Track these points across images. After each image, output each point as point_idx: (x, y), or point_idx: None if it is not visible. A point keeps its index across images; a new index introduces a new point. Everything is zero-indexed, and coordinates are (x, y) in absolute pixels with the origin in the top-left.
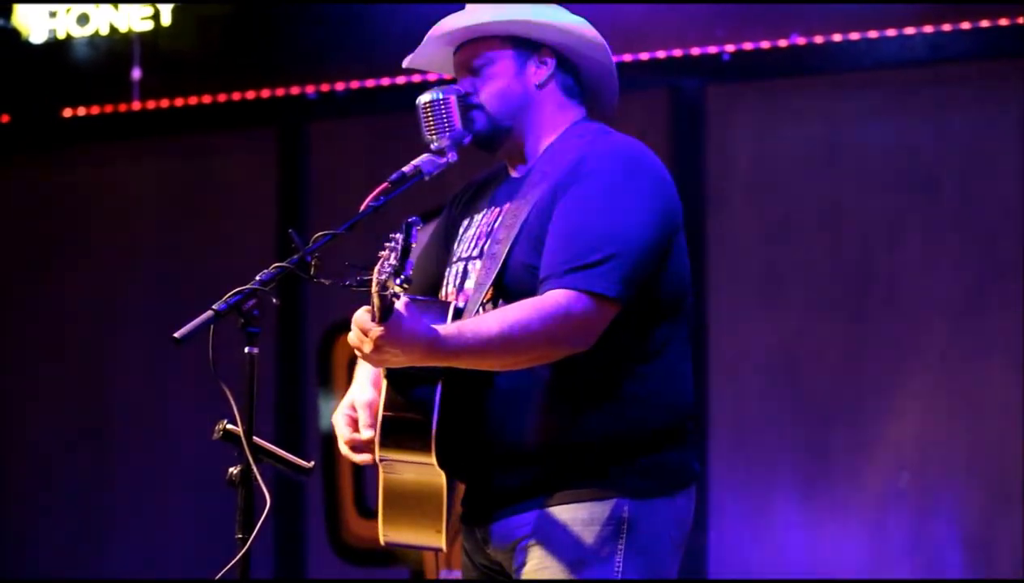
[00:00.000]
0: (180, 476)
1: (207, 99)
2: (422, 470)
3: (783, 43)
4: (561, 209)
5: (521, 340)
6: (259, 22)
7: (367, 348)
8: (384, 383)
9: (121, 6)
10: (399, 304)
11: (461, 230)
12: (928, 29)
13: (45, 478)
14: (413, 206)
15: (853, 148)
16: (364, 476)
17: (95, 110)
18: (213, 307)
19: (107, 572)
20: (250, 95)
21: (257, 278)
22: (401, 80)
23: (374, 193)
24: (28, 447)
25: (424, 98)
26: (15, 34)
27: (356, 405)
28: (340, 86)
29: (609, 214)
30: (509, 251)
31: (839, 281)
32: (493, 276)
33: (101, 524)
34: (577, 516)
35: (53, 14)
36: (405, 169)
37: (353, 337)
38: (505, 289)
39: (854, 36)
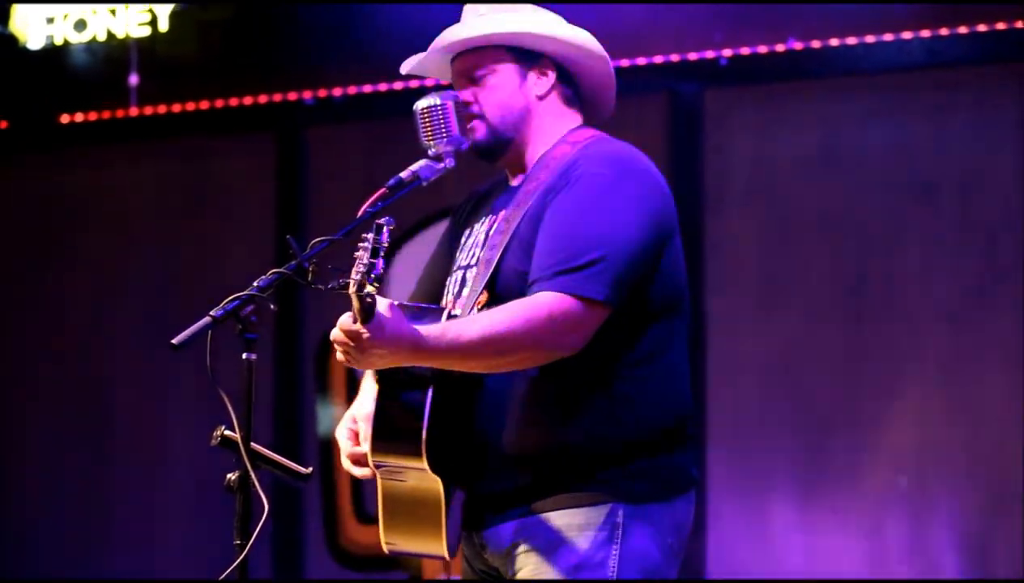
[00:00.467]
0: (178, 482)
1: (205, 105)
2: (418, 475)
3: (780, 47)
4: (550, 213)
5: (506, 341)
6: (257, 27)
7: (353, 351)
8: (375, 387)
9: (119, 12)
10: (382, 306)
11: (463, 239)
12: (925, 33)
13: (43, 482)
14: (411, 212)
15: (851, 152)
16: (363, 482)
17: (93, 116)
18: (211, 313)
19: (106, 575)
20: (248, 100)
21: (255, 284)
22: (399, 86)
23: (371, 199)
24: (26, 450)
25: (421, 104)
26: (13, 40)
27: (358, 418)
28: (338, 91)
29: (598, 217)
30: (501, 257)
31: (837, 285)
32: (484, 282)
33: (99, 530)
34: (572, 521)
35: (51, 20)
36: (403, 175)
37: (337, 336)
38: (498, 295)
39: (851, 40)
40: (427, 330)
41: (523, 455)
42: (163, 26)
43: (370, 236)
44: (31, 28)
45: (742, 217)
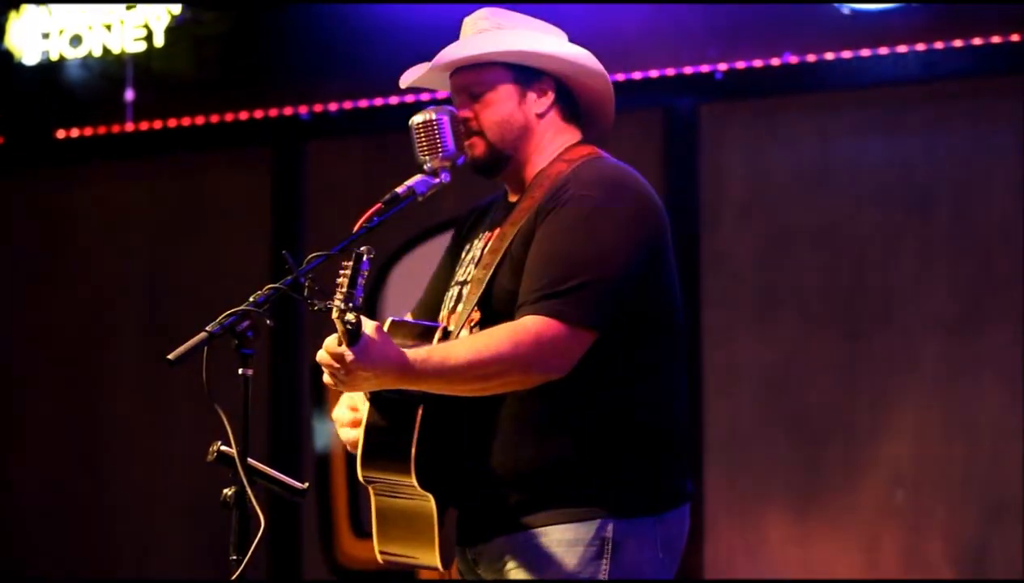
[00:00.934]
0: (175, 498)
1: (201, 120)
2: (410, 491)
3: (776, 61)
4: (539, 235)
5: (492, 365)
6: (253, 42)
7: (339, 373)
8: (366, 405)
9: (114, 27)
10: (368, 328)
11: (463, 254)
12: (921, 47)
13: (40, 498)
14: (407, 226)
15: (846, 166)
16: (359, 497)
17: (88, 131)
18: (207, 329)
19: None
20: (244, 115)
21: (251, 299)
22: (395, 100)
23: (367, 214)
24: (23, 463)
25: (417, 119)
26: (8, 56)
27: (358, 403)
28: (335, 106)
29: (584, 240)
30: (492, 276)
31: (833, 299)
32: (476, 301)
33: (96, 545)
34: (562, 537)
35: (46, 35)
36: (398, 190)
37: (323, 358)
38: (489, 313)
39: (846, 54)
40: (413, 354)
41: (513, 472)
42: (159, 41)
43: (349, 264)
44: (27, 43)
45: (738, 230)
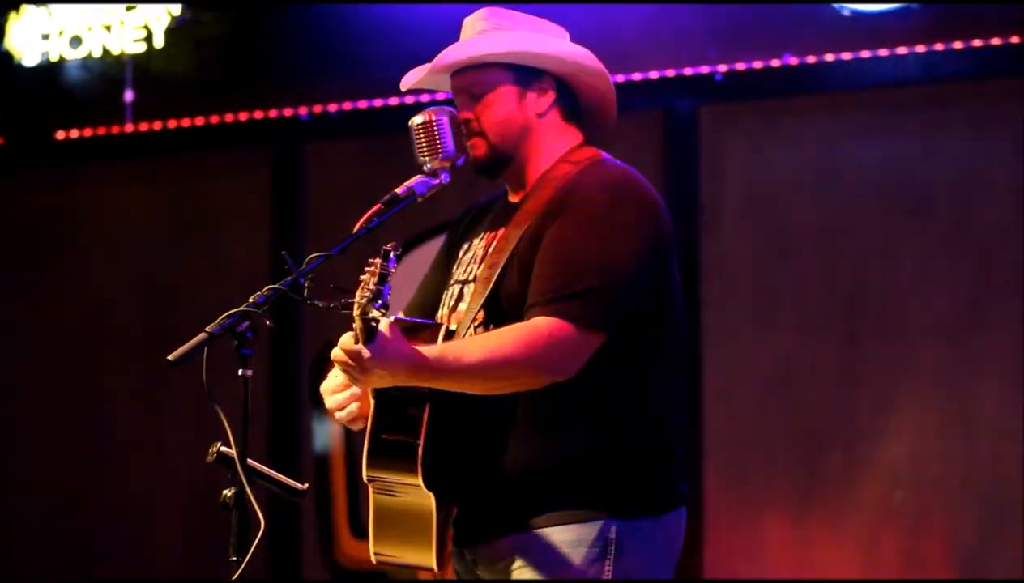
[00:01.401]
0: (174, 499)
1: (200, 121)
2: (412, 491)
3: (776, 63)
4: (549, 237)
5: (502, 365)
6: (253, 43)
7: (353, 370)
8: (372, 403)
9: (114, 28)
10: (383, 325)
11: (460, 253)
12: (921, 49)
13: (40, 500)
14: (406, 227)
15: (846, 167)
16: (359, 497)
17: (88, 132)
18: (207, 329)
19: None
20: (243, 116)
21: (251, 300)
22: (395, 101)
23: (367, 215)
24: (21, 466)
25: (417, 120)
26: (8, 57)
27: None
28: (334, 107)
29: (595, 244)
30: (499, 277)
31: (833, 300)
32: (482, 301)
33: (96, 546)
34: (565, 537)
35: (46, 36)
36: (398, 190)
37: (338, 355)
38: (495, 314)
39: (847, 56)
40: (427, 352)
41: (517, 472)
42: (159, 42)
43: (377, 261)
44: (27, 44)
45: (737, 232)
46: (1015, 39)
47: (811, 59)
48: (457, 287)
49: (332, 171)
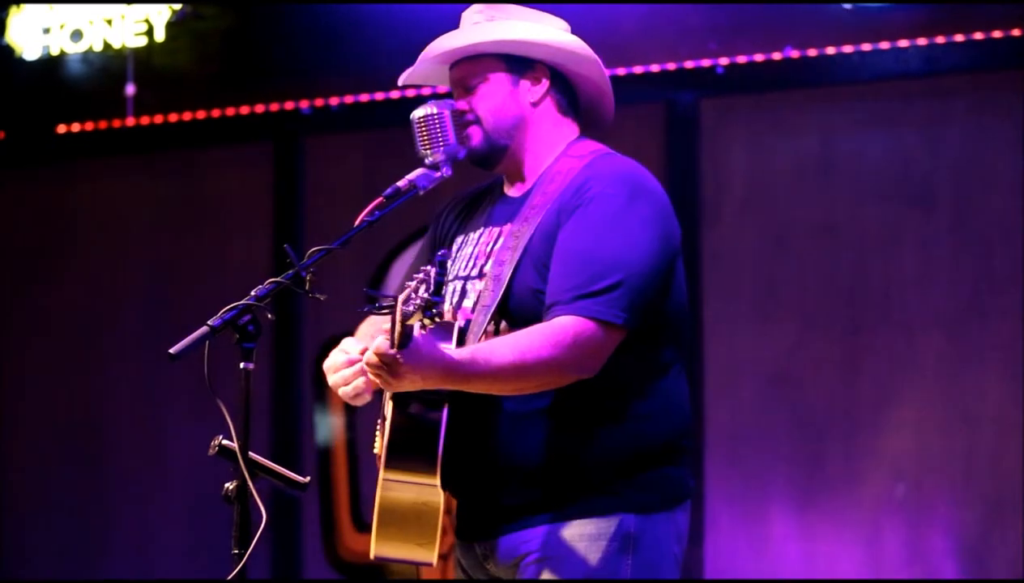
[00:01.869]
0: (176, 492)
1: (201, 115)
2: (422, 490)
3: (777, 56)
4: (566, 233)
5: (532, 366)
6: (254, 37)
7: (385, 374)
8: (390, 404)
9: (115, 22)
10: (415, 331)
11: (455, 248)
12: (922, 41)
13: (41, 493)
14: (407, 221)
15: (848, 160)
16: (360, 490)
17: (89, 126)
18: (208, 323)
19: None
20: (245, 110)
21: (252, 293)
22: (396, 95)
23: (368, 208)
24: (24, 460)
25: (418, 113)
26: (9, 51)
27: (345, 341)
28: (335, 101)
29: (615, 240)
30: (513, 274)
31: (834, 293)
32: (498, 298)
33: (97, 539)
34: (584, 531)
35: (47, 30)
36: (399, 184)
37: (372, 359)
38: (509, 312)
39: (848, 48)
40: (457, 355)
41: (537, 469)
42: (160, 36)
43: (432, 270)
44: (28, 38)
45: (739, 225)
46: (1016, 32)
47: (813, 52)
48: (459, 283)
49: (333, 165)
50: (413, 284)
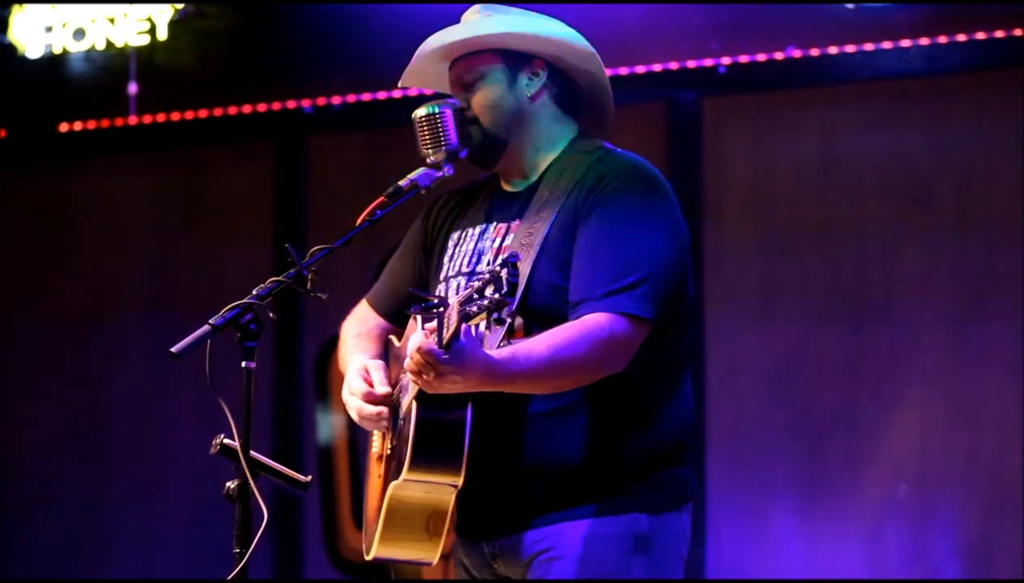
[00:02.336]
0: (177, 491)
1: (204, 113)
2: (439, 490)
3: (779, 55)
4: (589, 231)
5: (569, 363)
6: (256, 36)
7: (430, 375)
8: (414, 405)
9: (118, 20)
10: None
11: (451, 244)
12: (924, 41)
13: (41, 493)
14: (409, 220)
15: (850, 160)
16: (362, 489)
17: (92, 125)
18: (210, 321)
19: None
20: (247, 109)
21: (254, 292)
22: (398, 94)
23: (370, 207)
24: (25, 458)
25: (420, 112)
26: (12, 49)
27: (370, 368)
28: (337, 100)
29: (639, 236)
30: (532, 271)
31: (836, 293)
32: (519, 296)
33: (98, 538)
34: (597, 531)
35: (50, 28)
36: (401, 183)
37: (413, 364)
38: (529, 309)
39: (850, 48)
40: (498, 355)
41: (556, 469)
42: (162, 35)
43: (502, 271)
44: (30, 37)
45: (741, 225)
46: (1018, 31)
47: (815, 51)
48: (463, 279)
49: (335, 164)
50: (477, 284)
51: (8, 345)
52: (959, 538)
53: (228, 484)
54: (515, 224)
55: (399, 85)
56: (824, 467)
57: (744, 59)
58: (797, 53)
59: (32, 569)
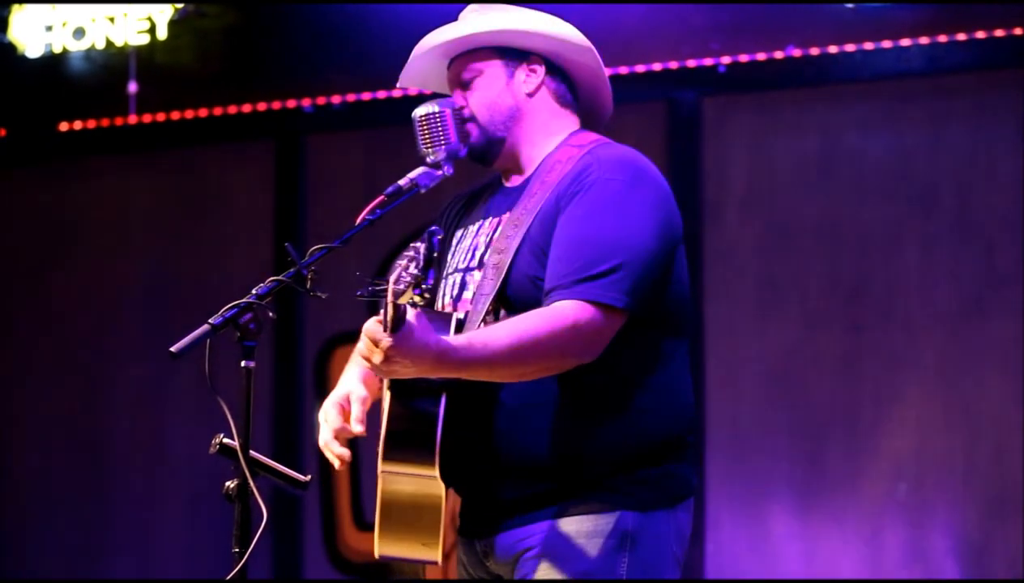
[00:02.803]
0: (177, 490)
1: (203, 113)
2: (422, 482)
3: (779, 55)
4: (566, 219)
5: (530, 351)
6: (256, 35)
7: (376, 358)
8: (387, 395)
9: (118, 20)
10: (410, 315)
11: (455, 242)
12: (924, 40)
13: (41, 492)
14: (409, 220)
15: (849, 159)
16: (362, 489)
17: (92, 124)
18: (209, 321)
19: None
20: (246, 108)
21: (254, 292)
22: (397, 93)
23: (370, 206)
24: (25, 457)
25: (420, 111)
26: (11, 48)
27: (352, 399)
28: (337, 99)
29: (615, 224)
30: (512, 262)
31: (835, 291)
32: (497, 286)
33: (98, 539)
34: (582, 528)
35: (49, 28)
36: (401, 182)
37: (362, 347)
38: (508, 300)
39: (850, 47)
40: (453, 341)
41: (535, 463)
42: (162, 34)
43: (420, 245)
44: (30, 36)
45: (741, 224)
46: (1018, 31)
47: (815, 51)
48: (459, 275)
49: (335, 163)
50: (403, 263)
51: (8, 345)
52: (958, 537)
53: (227, 484)
54: (505, 217)
55: (397, 86)
56: (823, 466)
57: (744, 59)
58: (797, 53)
59: (32, 569)
